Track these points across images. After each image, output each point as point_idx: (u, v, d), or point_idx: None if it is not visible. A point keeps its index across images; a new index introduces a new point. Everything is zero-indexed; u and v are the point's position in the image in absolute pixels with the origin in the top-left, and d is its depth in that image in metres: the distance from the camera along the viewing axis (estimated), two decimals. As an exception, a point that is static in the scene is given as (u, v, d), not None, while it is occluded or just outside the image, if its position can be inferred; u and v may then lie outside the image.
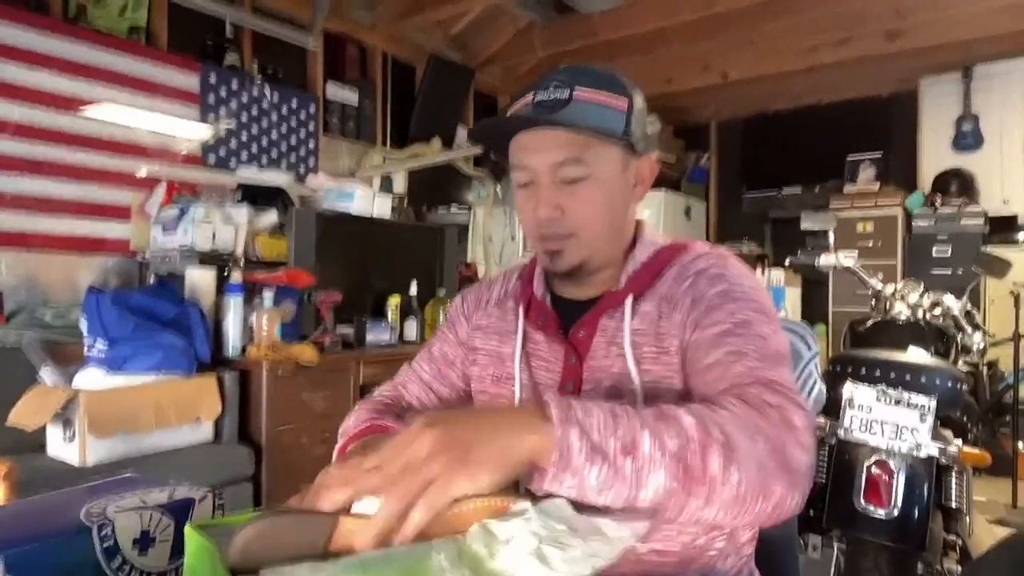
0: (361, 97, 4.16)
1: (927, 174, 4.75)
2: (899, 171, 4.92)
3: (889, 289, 2.39)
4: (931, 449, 1.73)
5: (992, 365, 3.39)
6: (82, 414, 2.12)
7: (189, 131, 3.29)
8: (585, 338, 0.91)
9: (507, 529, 0.58)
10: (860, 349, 2.13)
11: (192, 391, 2.41)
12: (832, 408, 1.86)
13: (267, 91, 3.60)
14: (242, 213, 2.95)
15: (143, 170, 3.11)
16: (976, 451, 1.78)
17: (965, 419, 2.01)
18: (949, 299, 2.42)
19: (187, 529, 0.57)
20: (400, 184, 4.30)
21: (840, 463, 1.82)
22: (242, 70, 3.53)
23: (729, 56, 4.64)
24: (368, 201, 3.36)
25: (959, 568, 1.80)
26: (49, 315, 2.59)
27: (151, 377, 2.32)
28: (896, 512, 1.71)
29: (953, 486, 1.84)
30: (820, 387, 1.11)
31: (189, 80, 3.28)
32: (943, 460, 1.75)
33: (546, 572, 0.57)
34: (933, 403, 1.74)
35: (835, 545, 1.87)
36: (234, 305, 2.61)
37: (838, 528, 1.83)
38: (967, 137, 4.62)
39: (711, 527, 0.86)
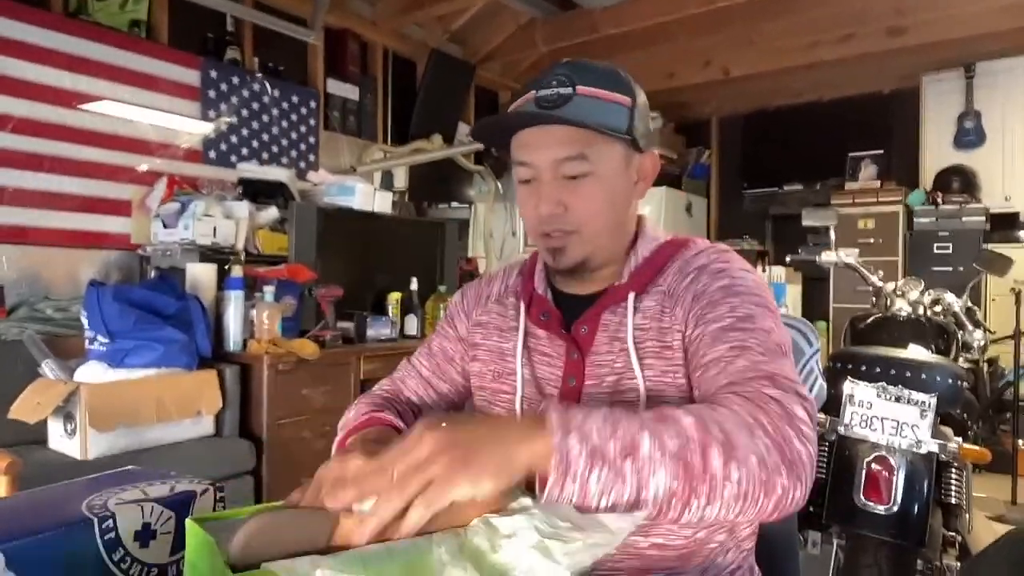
0: (362, 93, 4.15)
1: (929, 171, 4.74)
2: (900, 168, 4.92)
3: (890, 286, 2.38)
4: (931, 446, 1.73)
5: (992, 362, 3.40)
6: (83, 408, 2.13)
7: (190, 126, 3.29)
8: (587, 334, 0.91)
9: (509, 524, 0.59)
10: (861, 346, 2.13)
11: (193, 385, 2.41)
12: (832, 405, 1.86)
13: (268, 86, 3.60)
14: (243, 208, 2.96)
15: (144, 165, 3.12)
16: (976, 448, 1.79)
17: (965, 416, 2.01)
18: (950, 296, 2.42)
19: (188, 522, 0.58)
20: (401, 179, 4.29)
21: (840, 459, 1.81)
22: (243, 65, 3.53)
23: (731, 52, 4.64)
24: (369, 196, 3.35)
25: (958, 564, 1.80)
26: (50, 309, 2.60)
27: (152, 371, 2.33)
28: (896, 508, 1.71)
29: (953, 483, 1.84)
30: (821, 383, 1.11)
31: (190, 75, 3.28)
32: (943, 457, 1.75)
33: (548, 564, 0.57)
34: (933, 400, 1.74)
35: (835, 541, 1.88)
36: (235, 300, 2.61)
37: (838, 524, 1.83)
38: (969, 134, 4.61)
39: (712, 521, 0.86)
